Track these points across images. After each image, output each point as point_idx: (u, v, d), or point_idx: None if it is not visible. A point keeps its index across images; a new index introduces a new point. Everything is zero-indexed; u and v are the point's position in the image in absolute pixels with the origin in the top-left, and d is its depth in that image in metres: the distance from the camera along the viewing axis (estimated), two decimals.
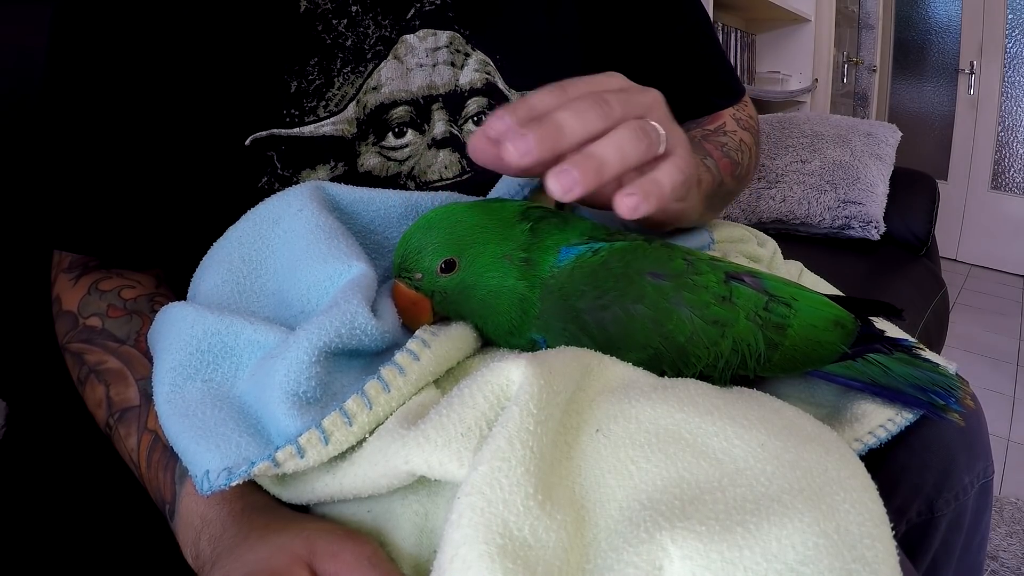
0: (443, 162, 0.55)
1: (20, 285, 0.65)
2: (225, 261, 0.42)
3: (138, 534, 0.46)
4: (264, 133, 0.49)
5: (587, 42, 0.60)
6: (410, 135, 0.53)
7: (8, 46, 0.67)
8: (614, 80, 0.40)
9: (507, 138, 0.33)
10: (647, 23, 0.63)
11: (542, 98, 0.36)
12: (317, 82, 0.50)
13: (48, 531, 0.49)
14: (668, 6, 0.64)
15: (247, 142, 0.49)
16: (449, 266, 0.38)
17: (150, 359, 0.43)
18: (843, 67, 3.02)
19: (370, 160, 0.52)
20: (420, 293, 0.38)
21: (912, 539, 0.51)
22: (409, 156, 0.53)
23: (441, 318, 0.40)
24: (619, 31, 0.63)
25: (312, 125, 0.50)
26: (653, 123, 0.38)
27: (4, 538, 0.49)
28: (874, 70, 3.19)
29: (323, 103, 0.50)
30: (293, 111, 0.49)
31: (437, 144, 0.54)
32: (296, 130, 0.49)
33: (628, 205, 0.35)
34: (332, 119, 0.50)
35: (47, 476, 0.56)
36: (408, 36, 0.53)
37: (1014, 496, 1.49)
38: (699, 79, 0.66)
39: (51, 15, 0.48)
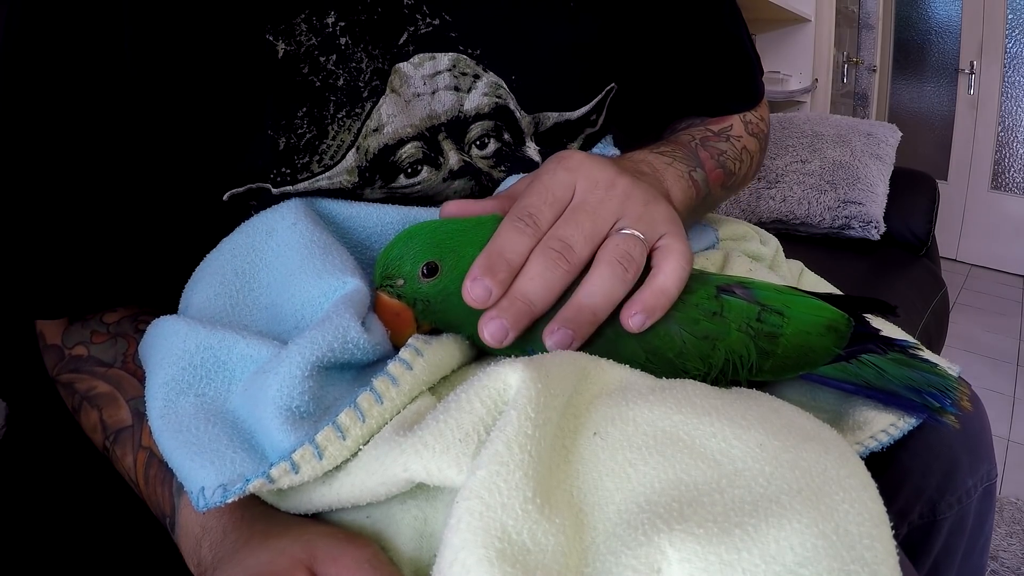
0: (455, 189, 0.52)
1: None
2: (218, 274, 0.41)
3: (139, 535, 0.46)
4: (242, 189, 0.45)
5: (604, 51, 0.56)
6: (425, 172, 0.49)
7: None
8: (565, 176, 0.38)
9: (482, 323, 0.35)
10: (661, 24, 0.59)
11: (483, 207, 0.39)
12: (308, 135, 0.45)
13: (48, 531, 0.49)
14: (686, 6, 0.60)
15: (225, 197, 0.45)
16: (432, 270, 0.37)
17: (139, 379, 0.42)
18: (843, 67, 3.01)
19: (375, 197, 0.49)
20: (403, 302, 0.38)
21: (914, 541, 0.51)
22: (421, 193, 0.50)
23: (433, 330, 0.39)
24: (632, 32, 0.59)
25: (306, 182, 0.46)
26: (632, 233, 0.37)
27: (4, 538, 0.49)
28: (874, 70, 3.18)
29: (317, 157, 0.45)
30: (284, 170, 0.45)
31: (453, 175, 0.51)
32: (290, 187, 0.45)
33: (635, 325, 0.36)
34: (328, 173, 0.46)
35: (47, 476, 0.55)
36: (401, 64, 0.47)
37: (1014, 496, 1.49)
38: (713, 84, 0.63)
39: None
